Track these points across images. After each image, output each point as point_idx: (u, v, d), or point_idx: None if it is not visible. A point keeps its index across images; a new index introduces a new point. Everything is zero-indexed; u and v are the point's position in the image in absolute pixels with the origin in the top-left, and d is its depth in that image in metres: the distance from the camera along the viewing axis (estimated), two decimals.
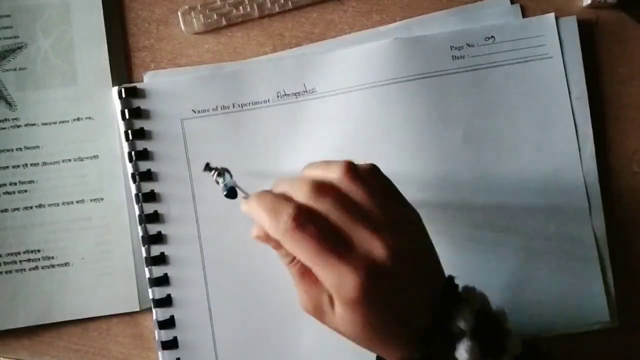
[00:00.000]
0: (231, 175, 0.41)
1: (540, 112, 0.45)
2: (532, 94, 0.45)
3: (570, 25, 0.45)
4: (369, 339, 0.32)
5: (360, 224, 0.31)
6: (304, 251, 0.31)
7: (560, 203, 0.44)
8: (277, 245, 0.33)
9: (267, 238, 0.33)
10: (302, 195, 0.32)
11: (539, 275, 0.44)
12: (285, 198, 0.32)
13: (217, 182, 0.41)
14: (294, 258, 0.33)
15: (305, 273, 0.33)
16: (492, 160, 0.45)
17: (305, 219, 0.31)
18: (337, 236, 0.31)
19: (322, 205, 0.31)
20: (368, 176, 0.34)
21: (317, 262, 0.31)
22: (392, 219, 0.32)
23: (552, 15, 0.45)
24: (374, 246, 0.31)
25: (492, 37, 0.45)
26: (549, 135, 0.45)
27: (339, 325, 0.32)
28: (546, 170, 0.44)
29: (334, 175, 0.33)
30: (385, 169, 0.44)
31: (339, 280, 0.30)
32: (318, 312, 0.33)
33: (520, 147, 0.45)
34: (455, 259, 0.44)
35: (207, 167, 0.42)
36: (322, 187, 0.32)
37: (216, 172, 0.41)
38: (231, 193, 0.40)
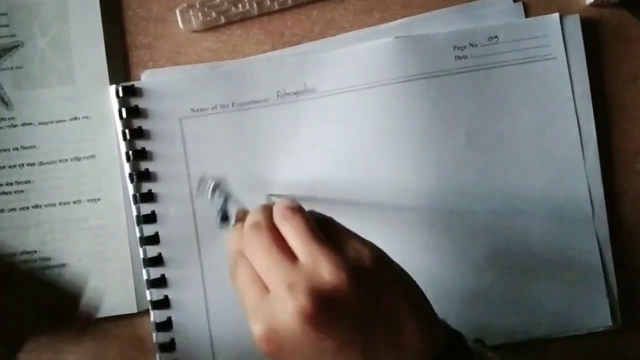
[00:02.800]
0: (226, 197, 0.39)
1: (543, 112, 0.44)
2: (535, 95, 0.44)
3: (574, 24, 0.45)
4: None
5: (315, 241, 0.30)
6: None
7: (563, 203, 0.44)
8: None
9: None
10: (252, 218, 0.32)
11: (541, 276, 0.44)
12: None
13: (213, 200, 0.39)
14: None
15: None
16: (495, 160, 0.44)
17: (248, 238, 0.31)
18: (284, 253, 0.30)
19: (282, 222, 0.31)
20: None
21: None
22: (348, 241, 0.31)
23: (556, 15, 0.45)
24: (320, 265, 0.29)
25: (496, 36, 0.44)
26: (552, 135, 0.44)
27: None
28: (549, 170, 0.44)
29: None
30: (385, 170, 0.44)
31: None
32: None
33: (523, 147, 0.44)
34: (457, 261, 0.43)
35: (202, 182, 0.40)
36: (285, 207, 0.32)
37: (211, 186, 0.39)
38: (224, 218, 0.38)
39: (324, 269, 0.28)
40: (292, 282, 0.28)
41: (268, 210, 0.33)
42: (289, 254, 0.30)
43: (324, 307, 0.28)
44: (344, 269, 0.28)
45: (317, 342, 0.28)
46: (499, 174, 0.44)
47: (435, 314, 0.31)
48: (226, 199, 0.38)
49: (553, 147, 0.44)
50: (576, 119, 0.44)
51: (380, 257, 0.30)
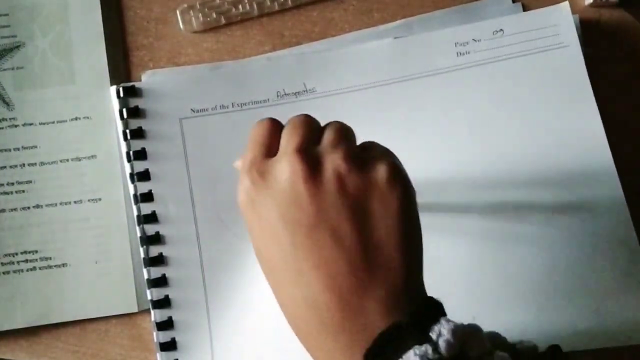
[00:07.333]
0: None
1: (557, 100, 0.43)
2: (549, 85, 0.43)
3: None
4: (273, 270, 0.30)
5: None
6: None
7: (590, 197, 0.42)
8: None
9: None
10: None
11: (567, 282, 0.41)
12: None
13: None
14: None
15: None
16: (511, 157, 0.43)
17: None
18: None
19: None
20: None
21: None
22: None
23: (566, 3, 0.44)
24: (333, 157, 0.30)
25: (501, 30, 0.44)
26: (571, 124, 0.42)
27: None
28: (571, 160, 0.42)
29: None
30: None
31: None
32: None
33: (539, 140, 0.43)
34: (464, 258, 0.42)
35: None
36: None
37: None
38: None
39: (337, 155, 0.30)
40: (304, 148, 0.30)
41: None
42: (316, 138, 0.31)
43: (320, 175, 0.29)
44: (351, 163, 0.29)
45: (298, 207, 0.29)
46: (516, 169, 0.42)
47: (419, 279, 0.30)
48: None
49: (573, 136, 0.42)
50: (596, 104, 0.42)
51: (394, 179, 0.30)
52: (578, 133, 0.42)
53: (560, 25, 0.44)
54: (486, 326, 0.28)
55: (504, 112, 0.44)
